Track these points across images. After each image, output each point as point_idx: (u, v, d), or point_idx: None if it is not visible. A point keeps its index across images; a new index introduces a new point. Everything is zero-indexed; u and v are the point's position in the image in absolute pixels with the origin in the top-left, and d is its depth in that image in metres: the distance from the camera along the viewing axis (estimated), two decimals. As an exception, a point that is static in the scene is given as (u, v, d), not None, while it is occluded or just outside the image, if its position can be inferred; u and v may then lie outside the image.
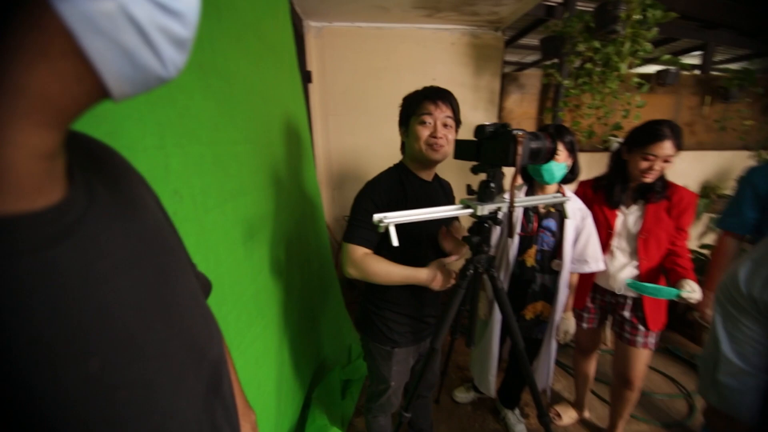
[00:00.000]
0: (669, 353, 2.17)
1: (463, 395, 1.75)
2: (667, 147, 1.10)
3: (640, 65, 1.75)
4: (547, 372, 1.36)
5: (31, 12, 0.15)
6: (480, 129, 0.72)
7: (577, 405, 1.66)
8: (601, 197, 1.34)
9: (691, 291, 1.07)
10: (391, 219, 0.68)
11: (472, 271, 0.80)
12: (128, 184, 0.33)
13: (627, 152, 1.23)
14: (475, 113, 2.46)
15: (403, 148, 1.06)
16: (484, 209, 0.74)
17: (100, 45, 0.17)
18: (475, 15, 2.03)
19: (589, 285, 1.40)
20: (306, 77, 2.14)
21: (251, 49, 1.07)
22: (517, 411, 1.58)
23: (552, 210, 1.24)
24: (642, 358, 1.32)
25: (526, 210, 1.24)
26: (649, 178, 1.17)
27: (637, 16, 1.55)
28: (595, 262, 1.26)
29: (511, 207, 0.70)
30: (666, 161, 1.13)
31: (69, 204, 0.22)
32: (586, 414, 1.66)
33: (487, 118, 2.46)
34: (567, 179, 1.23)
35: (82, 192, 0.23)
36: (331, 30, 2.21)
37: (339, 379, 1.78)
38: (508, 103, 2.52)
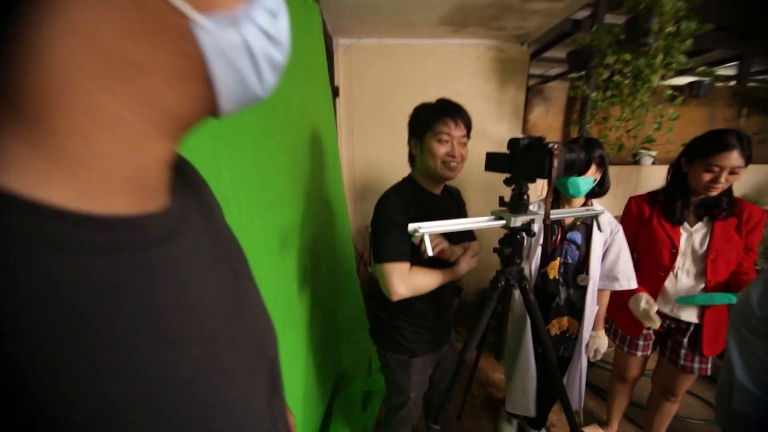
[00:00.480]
0: (709, 378, 2.04)
1: (507, 428, 1.63)
2: (734, 158, 1.04)
3: (673, 77, 1.70)
4: (579, 391, 1.31)
5: (179, 42, 0.18)
6: (514, 142, 0.73)
7: (609, 426, 1.58)
8: (661, 213, 1.25)
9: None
10: (426, 229, 0.70)
11: (503, 283, 0.80)
12: (203, 191, 0.37)
13: (687, 164, 1.17)
14: (500, 126, 2.46)
15: (412, 160, 1.05)
16: (517, 221, 0.75)
17: (223, 70, 0.20)
18: (501, 30, 2.06)
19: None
20: (334, 92, 2.22)
21: (289, 65, 1.13)
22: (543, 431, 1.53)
23: (578, 223, 1.22)
24: (691, 379, 1.31)
25: (551, 222, 1.22)
26: (714, 192, 1.10)
27: (670, 29, 1.53)
28: (627, 280, 1.21)
29: (547, 219, 0.70)
30: (732, 173, 1.06)
31: (174, 206, 0.25)
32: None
33: (511, 131, 2.45)
34: (595, 193, 1.20)
35: (178, 197, 0.27)
36: (359, 47, 2.29)
37: (360, 390, 1.78)
38: (532, 116, 2.51)
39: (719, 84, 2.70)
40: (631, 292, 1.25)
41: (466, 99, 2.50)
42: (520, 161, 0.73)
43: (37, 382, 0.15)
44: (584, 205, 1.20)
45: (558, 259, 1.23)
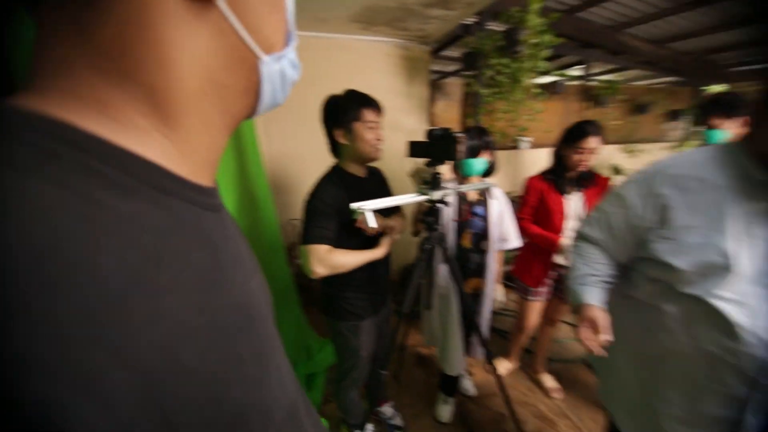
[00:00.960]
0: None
1: (444, 409, 1.74)
2: (592, 141, 1.44)
3: (538, 78, 2.16)
4: (486, 332, 1.64)
5: (251, 71, 0.28)
6: (430, 132, 0.92)
7: (510, 359, 2.01)
8: (551, 188, 1.62)
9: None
10: (367, 206, 0.84)
11: (429, 246, 1.00)
12: None
13: (563, 148, 1.56)
14: (410, 118, 2.72)
15: (335, 150, 1.13)
16: (436, 195, 0.95)
17: (267, 88, 0.30)
18: (405, 30, 2.28)
19: (548, 265, 1.67)
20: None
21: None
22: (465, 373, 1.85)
23: (480, 198, 1.48)
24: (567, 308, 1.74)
25: (460, 200, 1.46)
26: (583, 168, 1.50)
27: (534, 40, 1.95)
28: (513, 240, 1.54)
29: (456, 190, 0.92)
30: (592, 153, 1.46)
31: (216, 188, 0.34)
32: (517, 364, 2.02)
33: (419, 122, 2.74)
34: (487, 172, 1.46)
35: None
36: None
37: (302, 374, 1.88)
38: (436, 109, 2.84)
39: (570, 83, 3.45)
40: (529, 251, 1.69)
41: (379, 92, 2.67)
42: (435, 148, 0.92)
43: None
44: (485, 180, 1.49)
45: (469, 230, 1.49)
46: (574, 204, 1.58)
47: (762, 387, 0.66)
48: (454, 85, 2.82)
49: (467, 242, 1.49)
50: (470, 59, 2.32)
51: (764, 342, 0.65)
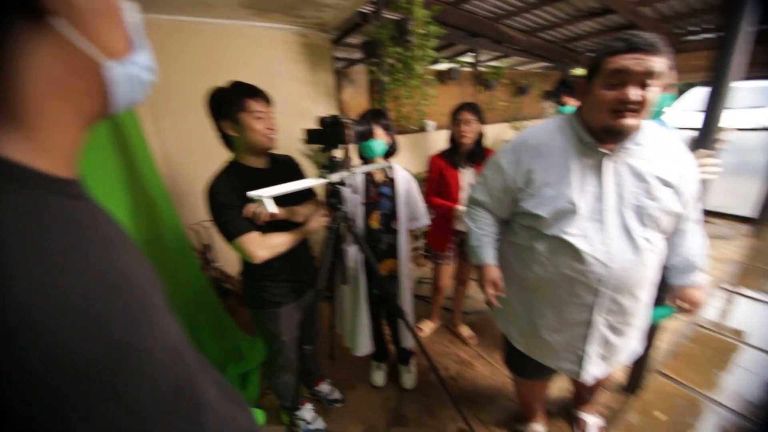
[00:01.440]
0: (483, 268, 3.11)
1: (377, 375, 1.88)
2: (466, 114, 1.72)
3: (431, 65, 2.35)
4: (410, 310, 1.70)
5: (95, 75, 0.31)
6: (322, 120, 0.99)
7: (432, 319, 2.26)
8: (448, 164, 1.84)
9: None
10: (266, 193, 0.88)
11: (336, 225, 1.09)
12: None
13: (451, 127, 1.81)
14: (317, 106, 2.73)
15: (228, 143, 1.11)
16: (335, 177, 1.03)
17: (116, 89, 0.34)
18: (301, 17, 2.26)
19: (450, 231, 1.90)
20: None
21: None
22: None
23: (386, 179, 1.55)
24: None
25: (366, 182, 1.54)
26: (465, 140, 1.74)
27: (421, 31, 2.12)
28: (423, 218, 1.63)
29: (351, 172, 1.01)
30: (468, 125, 1.71)
31: (78, 179, 0.36)
32: (439, 323, 2.29)
33: (328, 110, 2.77)
34: (390, 154, 1.54)
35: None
36: (149, 21, 2.03)
37: (234, 374, 1.85)
38: (344, 96, 2.90)
39: (464, 69, 3.82)
40: (435, 221, 1.86)
41: (282, 81, 2.62)
42: (329, 134, 1.00)
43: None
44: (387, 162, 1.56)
45: (377, 211, 1.56)
46: (467, 177, 1.83)
47: (601, 294, 0.92)
48: (360, 73, 2.90)
49: (375, 222, 1.55)
50: (369, 47, 2.41)
51: (600, 262, 0.89)
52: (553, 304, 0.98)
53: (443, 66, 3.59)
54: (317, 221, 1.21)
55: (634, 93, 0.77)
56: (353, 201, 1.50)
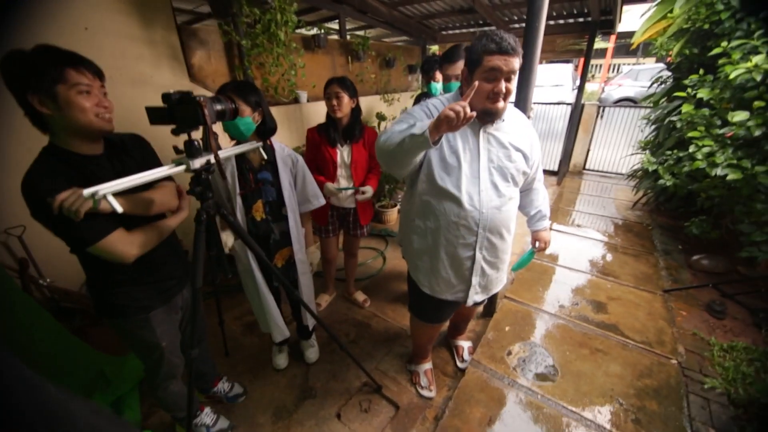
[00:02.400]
0: (371, 234, 3.32)
1: (279, 357, 1.83)
2: (335, 87, 1.71)
3: (293, 31, 2.20)
4: (311, 292, 1.70)
5: None
6: (167, 97, 0.83)
7: (328, 291, 2.33)
8: (324, 139, 1.79)
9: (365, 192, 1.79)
10: (105, 189, 0.71)
11: (204, 216, 0.97)
12: None
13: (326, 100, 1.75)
14: (160, 71, 2.25)
15: (41, 123, 0.86)
16: (196, 163, 0.90)
17: None
18: (117, -46, 1.77)
19: (327, 207, 1.88)
20: None
21: None
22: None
23: (264, 162, 1.39)
24: (359, 240, 2.12)
25: (241, 168, 1.36)
26: (338, 114, 1.72)
27: (279, -8, 1.95)
28: (316, 199, 1.54)
29: (216, 156, 0.90)
30: (338, 99, 1.70)
31: None
32: (334, 293, 2.37)
33: (176, 75, 2.32)
34: (264, 132, 1.34)
35: None
36: None
37: (106, 402, 1.55)
38: (195, 60, 2.47)
39: (332, 37, 3.72)
40: None
41: (103, 38, 2.07)
42: (178, 113, 0.85)
43: None
44: (265, 144, 1.36)
45: (260, 201, 1.39)
46: (345, 155, 1.85)
47: (479, 234, 1.19)
48: (212, 32, 2.48)
49: (260, 213, 1.41)
50: (218, 3, 2.09)
51: (475, 208, 1.15)
52: (446, 247, 1.23)
53: (309, 32, 3.42)
54: (178, 215, 1.07)
55: (503, 86, 1.03)
56: (231, 191, 1.35)
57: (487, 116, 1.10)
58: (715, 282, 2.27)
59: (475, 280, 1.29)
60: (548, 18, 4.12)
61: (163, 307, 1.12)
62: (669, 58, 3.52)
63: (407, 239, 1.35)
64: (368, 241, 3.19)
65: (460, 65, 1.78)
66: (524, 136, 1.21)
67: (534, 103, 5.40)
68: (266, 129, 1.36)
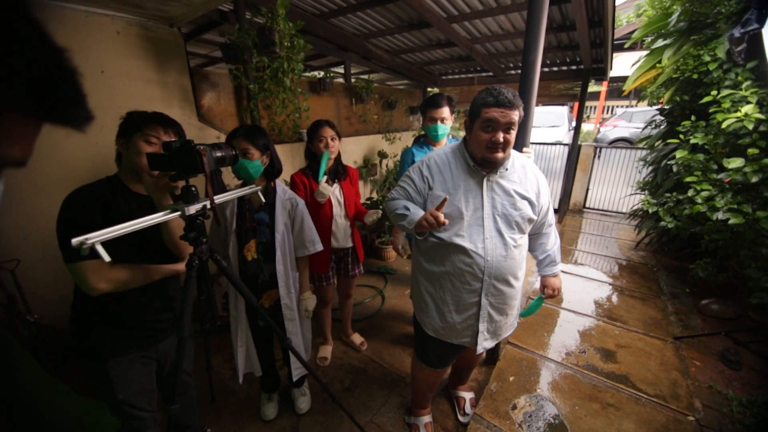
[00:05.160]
0: (368, 272, 3.26)
1: (268, 407, 1.72)
2: (327, 130, 1.73)
3: (299, 78, 2.31)
4: (307, 342, 1.64)
5: None
6: (167, 145, 0.84)
7: (328, 341, 2.20)
8: (313, 180, 1.79)
9: (375, 213, 1.79)
10: (95, 238, 0.70)
11: (197, 262, 0.95)
12: None
13: (311, 144, 1.78)
14: (171, 111, 2.34)
15: (119, 159, 1.07)
16: (191, 209, 0.90)
17: None
18: (139, 8, 1.90)
19: (327, 254, 1.85)
20: None
21: None
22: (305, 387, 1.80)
23: (263, 204, 1.39)
24: (356, 280, 2.07)
25: (241, 207, 1.39)
26: (333, 155, 1.76)
27: (287, 43, 2.07)
28: (312, 245, 1.49)
29: (212, 203, 0.90)
30: (333, 140, 1.75)
31: None
32: (332, 344, 2.23)
33: (185, 115, 2.42)
34: (271, 174, 1.40)
35: None
36: None
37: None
38: (205, 101, 2.58)
39: (338, 80, 3.91)
40: None
41: (117, 80, 2.17)
42: (178, 160, 0.86)
43: None
44: (270, 185, 1.42)
45: (253, 240, 1.40)
46: (337, 193, 1.86)
47: (485, 281, 1.18)
48: (223, 76, 2.62)
49: (252, 253, 1.40)
50: (230, 51, 2.21)
51: (481, 256, 1.16)
52: (452, 291, 1.22)
53: (315, 75, 3.60)
54: (177, 265, 1.08)
55: (500, 137, 1.07)
56: (228, 228, 1.36)
57: (488, 164, 1.14)
58: (728, 330, 2.17)
59: (483, 326, 1.25)
60: (543, 65, 4.34)
61: (131, 355, 1.06)
62: (660, 104, 3.65)
63: (415, 279, 1.36)
64: (367, 278, 3.12)
65: (443, 111, 1.87)
66: (531, 184, 1.23)
67: (532, 143, 5.60)
68: (273, 171, 1.42)
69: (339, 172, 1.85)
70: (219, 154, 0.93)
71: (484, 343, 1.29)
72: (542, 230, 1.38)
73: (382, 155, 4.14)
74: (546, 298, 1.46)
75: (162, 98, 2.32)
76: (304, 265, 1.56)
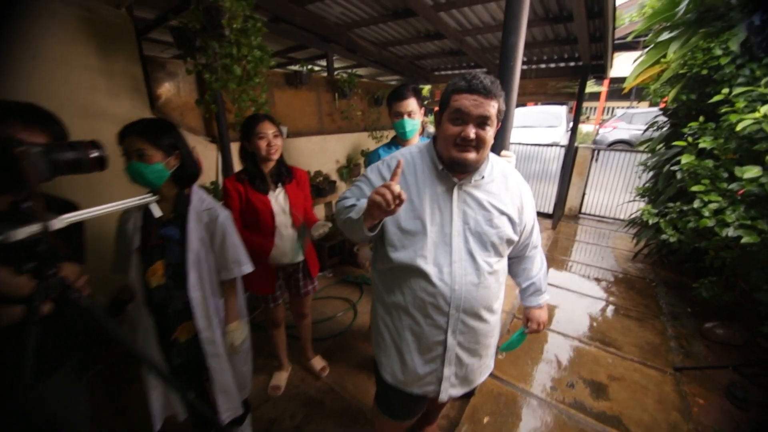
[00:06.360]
0: (343, 282, 3.00)
1: None
2: (267, 126, 1.48)
3: (260, 65, 2.02)
4: (247, 377, 1.38)
5: None
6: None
7: (283, 366, 1.94)
8: (253, 188, 1.51)
9: (324, 226, 1.54)
10: None
11: (37, 303, 0.70)
12: None
13: (248, 143, 1.50)
14: (118, 101, 2.09)
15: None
16: (20, 234, 0.64)
17: None
18: (66, -18, 1.64)
19: (272, 272, 1.61)
20: None
21: None
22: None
23: (172, 216, 1.14)
24: (311, 297, 1.81)
25: (147, 220, 1.11)
26: (273, 154, 1.50)
27: (237, 25, 1.80)
28: (238, 266, 1.21)
29: (46, 229, 0.65)
30: (276, 137, 1.49)
31: None
32: (289, 367, 1.98)
33: (136, 107, 2.16)
34: (182, 179, 1.12)
35: None
36: None
37: None
38: (162, 92, 2.32)
39: (317, 74, 3.65)
40: (258, 264, 1.36)
41: (53, 66, 1.92)
42: (-5, 165, 0.61)
43: None
44: (183, 192, 1.15)
45: (160, 261, 1.12)
46: (280, 200, 1.59)
47: (450, 314, 0.95)
48: (182, 65, 2.36)
49: (157, 278, 1.12)
50: (182, 36, 1.95)
51: (446, 284, 0.92)
52: (412, 327, 0.99)
53: (293, 68, 3.33)
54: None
55: (471, 132, 0.85)
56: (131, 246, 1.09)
57: (457, 167, 0.91)
58: (736, 363, 1.92)
59: (449, 370, 1.01)
60: (539, 61, 4.08)
61: None
62: (662, 104, 3.40)
63: (373, 308, 1.14)
64: (341, 289, 2.87)
65: (408, 104, 1.61)
66: (512, 197, 0.99)
67: (526, 144, 5.31)
68: (185, 175, 1.12)
69: (282, 175, 1.59)
70: (69, 155, 0.67)
71: (451, 391, 1.04)
72: (525, 253, 1.13)
73: (366, 155, 3.88)
74: (529, 333, 1.20)
75: (107, 88, 2.06)
76: (231, 290, 1.26)
